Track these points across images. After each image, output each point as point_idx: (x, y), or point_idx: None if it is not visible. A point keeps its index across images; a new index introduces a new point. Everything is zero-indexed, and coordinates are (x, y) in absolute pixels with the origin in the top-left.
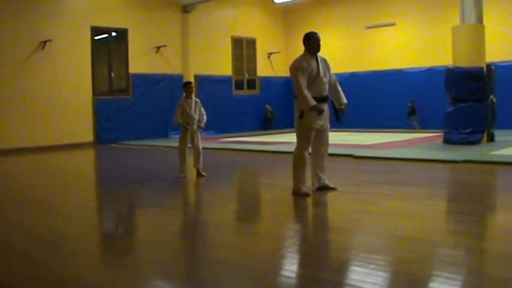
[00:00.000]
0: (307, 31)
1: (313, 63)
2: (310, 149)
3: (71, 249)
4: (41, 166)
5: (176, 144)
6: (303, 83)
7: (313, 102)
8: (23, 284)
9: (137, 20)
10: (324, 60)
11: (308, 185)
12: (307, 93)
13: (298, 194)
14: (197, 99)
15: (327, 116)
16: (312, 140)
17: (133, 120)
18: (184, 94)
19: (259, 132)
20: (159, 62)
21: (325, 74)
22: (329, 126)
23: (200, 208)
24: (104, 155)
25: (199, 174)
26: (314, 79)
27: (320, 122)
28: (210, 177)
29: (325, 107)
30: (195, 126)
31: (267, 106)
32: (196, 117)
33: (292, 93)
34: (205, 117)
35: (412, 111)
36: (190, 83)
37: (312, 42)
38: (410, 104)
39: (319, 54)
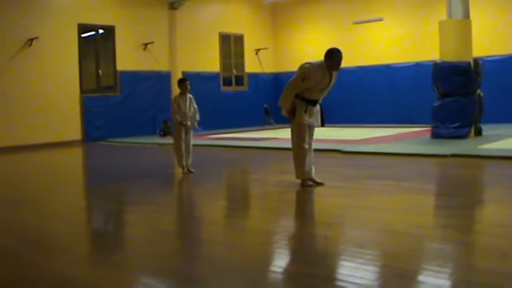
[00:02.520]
0: (332, 47)
1: (327, 78)
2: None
3: (58, 247)
4: (29, 165)
5: (164, 141)
6: (297, 87)
7: (286, 109)
8: (10, 282)
9: (124, 17)
10: (337, 75)
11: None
12: (289, 97)
13: (305, 185)
14: (191, 96)
15: (317, 115)
16: (306, 133)
17: (121, 118)
18: (179, 91)
19: (248, 129)
20: (146, 59)
21: (328, 87)
22: (318, 124)
23: (190, 205)
24: (92, 152)
25: (188, 171)
26: (319, 89)
27: (309, 119)
28: (199, 174)
29: (317, 107)
30: (188, 123)
31: (265, 105)
32: (190, 114)
33: (279, 88)
34: (198, 115)
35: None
36: (186, 80)
37: (333, 60)
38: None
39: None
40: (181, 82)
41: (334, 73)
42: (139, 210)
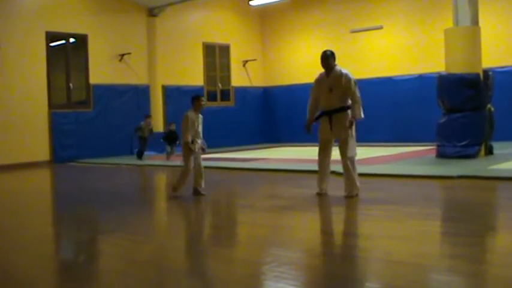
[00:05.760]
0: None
1: (326, 81)
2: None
3: (22, 280)
4: None
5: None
6: (311, 96)
7: (309, 118)
8: None
9: (98, 25)
10: (341, 75)
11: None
12: (308, 107)
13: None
14: (201, 116)
15: (336, 129)
16: (323, 149)
17: (94, 136)
18: (193, 107)
19: (234, 148)
20: (123, 71)
21: (331, 89)
22: (343, 137)
23: (169, 232)
24: (62, 174)
25: (196, 193)
26: (322, 94)
27: (324, 134)
28: (179, 199)
29: (334, 119)
30: (199, 143)
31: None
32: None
33: (269, 103)
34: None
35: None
36: (201, 96)
37: (320, 61)
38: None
39: (339, 69)
40: (196, 99)
41: (335, 75)
42: (112, 238)
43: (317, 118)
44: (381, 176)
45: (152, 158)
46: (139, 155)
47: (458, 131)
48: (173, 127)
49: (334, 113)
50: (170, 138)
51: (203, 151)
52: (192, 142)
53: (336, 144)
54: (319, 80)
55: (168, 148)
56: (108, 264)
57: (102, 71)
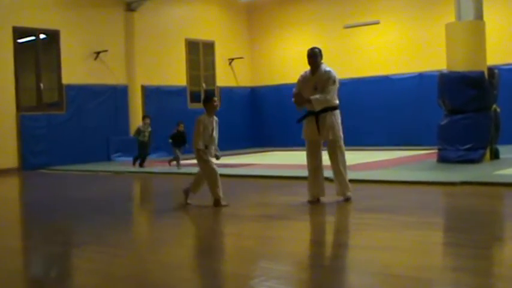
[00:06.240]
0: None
1: (309, 78)
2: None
3: None
4: None
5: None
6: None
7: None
8: None
9: (71, 20)
10: (325, 73)
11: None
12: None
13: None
14: (217, 119)
15: (324, 130)
16: (311, 151)
17: (68, 141)
18: (205, 110)
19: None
20: (98, 71)
21: (316, 88)
22: (331, 139)
23: (150, 245)
24: (32, 183)
25: (218, 204)
26: (307, 93)
27: (311, 136)
28: (162, 208)
29: (320, 120)
30: (213, 149)
31: None
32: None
33: (257, 105)
34: (217, 141)
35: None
36: (213, 96)
37: (307, 58)
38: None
39: (325, 67)
40: (208, 100)
41: (320, 73)
42: (88, 252)
43: (302, 118)
44: (377, 183)
45: (153, 164)
46: (142, 162)
47: (461, 134)
48: (181, 127)
49: (321, 113)
50: (178, 139)
51: (216, 158)
52: (206, 148)
53: (324, 148)
54: (304, 78)
55: (177, 151)
56: (82, 280)
57: (75, 70)
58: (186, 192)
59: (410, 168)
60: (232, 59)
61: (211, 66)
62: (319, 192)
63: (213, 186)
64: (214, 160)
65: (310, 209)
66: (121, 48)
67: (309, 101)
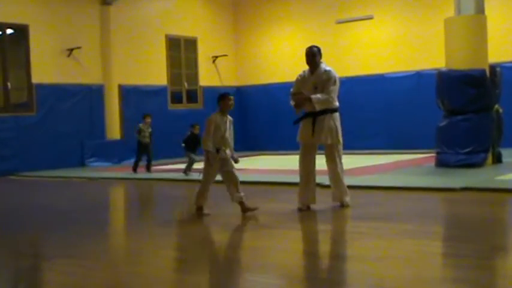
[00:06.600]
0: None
1: (308, 78)
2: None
3: None
4: None
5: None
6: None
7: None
8: None
9: (41, 14)
10: (324, 73)
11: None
12: (291, 104)
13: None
14: (231, 118)
15: (321, 133)
16: (306, 155)
17: (38, 145)
18: (219, 109)
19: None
20: (72, 69)
21: (316, 88)
22: (329, 143)
23: (127, 257)
24: None
25: (246, 209)
26: (305, 93)
27: (306, 139)
28: (138, 216)
29: (318, 122)
30: (227, 152)
31: None
32: (231, 142)
33: (244, 106)
34: (232, 142)
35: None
36: (228, 94)
37: (305, 56)
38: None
39: (325, 66)
40: (222, 98)
41: (320, 73)
42: (59, 265)
43: (299, 120)
44: (372, 189)
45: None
46: (148, 166)
47: (461, 136)
48: (196, 130)
49: (319, 115)
50: (192, 143)
51: (235, 162)
52: (218, 151)
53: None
54: (303, 78)
55: (191, 155)
56: None
57: (46, 68)
58: (199, 208)
59: (407, 173)
60: (216, 57)
61: (193, 64)
62: (310, 200)
63: (199, 192)
64: (233, 164)
65: (301, 217)
66: (96, 44)
67: (309, 100)
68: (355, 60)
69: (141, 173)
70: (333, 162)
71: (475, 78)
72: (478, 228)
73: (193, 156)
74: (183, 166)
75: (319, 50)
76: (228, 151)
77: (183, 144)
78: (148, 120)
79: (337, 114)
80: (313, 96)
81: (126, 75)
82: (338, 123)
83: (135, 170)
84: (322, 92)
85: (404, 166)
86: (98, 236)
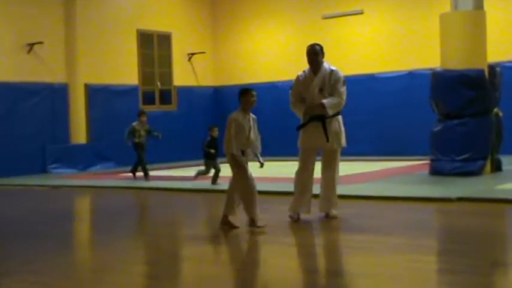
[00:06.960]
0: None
1: (310, 79)
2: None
3: None
4: None
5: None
6: (292, 98)
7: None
8: None
9: None
10: (330, 73)
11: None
12: (295, 110)
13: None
14: (254, 116)
15: (331, 138)
16: (307, 162)
17: None
18: (240, 107)
19: (178, 164)
20: (32, 66)
21: (322, 90)
22: (335, 148)
23: (91, 273)
24: None
25: (226, 223)
26: (309, 96)
27: (310, 144)
28: (107, 228)
29: (327, 126)
30: (251, 155)
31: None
32: (256, 143)
33: (222, 107)
34: (259, 144)
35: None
36: (251, 90)
37: (306, 55)
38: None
39: (328, 66)
40: (244, 94)
41: (324, 73)
42: (14, 283)
43: (304, 124)
44: (362, 199)
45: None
46: (145, 174)
47: (457, 142)
48: (215, 133)
49: (327, 118)
50: (212, 149)
51: (261, 166)
52: (243, 154)
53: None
54: (304, 79)
55: (217, 165)
56: None
57: (3, 64)
58: (226, 221)
59: (400, 182)
60: (193, 54)
61: (167, 63)
62: (303, 210)
63: (247, 202)
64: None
65: (291, 230)
66: (60, 39)
67: (322, 106)
68: (343, 58)
69: (108, 180)
70: (331, 169)
71: (473, 79)
72: (475, 241)
73: (218, 164)
74: (155, 173)
75: (321, 48)
76: (251, 155)
77: (212, 150)
78: (144, 118)
79: (340, 117)
80: (325, 101)
81: (93, 74)
82: (342, 126)
83: (134, 174)
84: (330, 94)
85: (395, 174)
86: (61, 250)
